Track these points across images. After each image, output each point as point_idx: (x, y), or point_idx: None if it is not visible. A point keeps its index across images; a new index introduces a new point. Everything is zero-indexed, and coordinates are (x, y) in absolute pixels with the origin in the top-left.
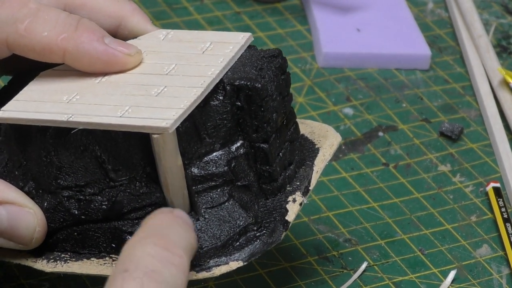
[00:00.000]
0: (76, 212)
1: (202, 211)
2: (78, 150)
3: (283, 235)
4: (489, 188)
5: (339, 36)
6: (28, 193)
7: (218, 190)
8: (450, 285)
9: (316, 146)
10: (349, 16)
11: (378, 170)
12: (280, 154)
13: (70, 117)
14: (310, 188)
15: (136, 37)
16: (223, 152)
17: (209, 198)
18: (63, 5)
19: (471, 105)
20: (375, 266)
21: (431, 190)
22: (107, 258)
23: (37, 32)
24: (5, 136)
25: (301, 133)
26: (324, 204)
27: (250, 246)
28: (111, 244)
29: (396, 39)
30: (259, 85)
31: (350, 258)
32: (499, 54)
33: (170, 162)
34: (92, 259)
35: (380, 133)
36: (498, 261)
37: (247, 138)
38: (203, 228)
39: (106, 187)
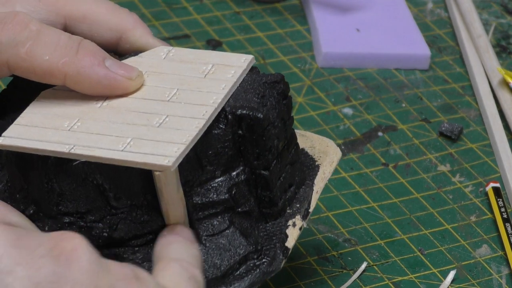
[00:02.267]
0: None
1: (203, 240)
2: (79, 178)
3: (283, 263)
4: (489, 188)
5: (339, 36)
6: (29, 216)
7: (219, 217)
8: (449, 285)
9: (316, 163)
10: (348, 16)
11: (377, 170)
12: (281, 178)
13: (72, 148)
14: (310, 210)
15: (137, 51)
16: (224, 179)
17: (210, 225)
18: (63, 18)
19: (470, 105)
20: (374, 266)
21: (431, 190)
22: None
23: (38, 55)
24: (6, 160)
25: (301, 147)
26: (324, 204)
27: (250, 276)
28: None
29: (396, 39)
30: (261, 116)
31: (349, 258)
32: (498, 54)
33: (171, 195)
34: None
35: (380, 133)
36: (498, 261)
37: (248, 165)
38: (204, 257)
39: (107, 214)
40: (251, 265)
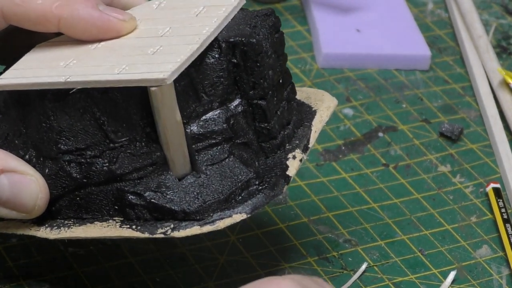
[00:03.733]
0: (78, 176)
1: (203, 168)
2: (77, 112)
3: (285, 188)
4: (489, 188)
5: (339, 37)
6: (29, 161)
7: (218, 148)
8: (450, 285)
9: (313, 109)
10: (349, 16)
11: (378, 171)
12: (278, 112)
13: (68, 78)
14: (309, 146)
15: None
16: (221, 111)
17: (209, 155)
18: None
19: (471, 106)
20: (375, 267)
21: (431, 191)
22: (110, 221)
23: (32, 0)
24: (5, 106)
25: (297, 98)
26: (324, 205)
27: (253, 199)
28: (114, 206)
29: (396, 39)
30: (254, 40)
31: (350, 259)
32: (499, 55)
33: (169, 117)
34: (95, 223)
35: (380, 134)
36: (498, 261)
37: (244, 96)
38: (205, 184)
39: (106, 149)
40: (253, 190)
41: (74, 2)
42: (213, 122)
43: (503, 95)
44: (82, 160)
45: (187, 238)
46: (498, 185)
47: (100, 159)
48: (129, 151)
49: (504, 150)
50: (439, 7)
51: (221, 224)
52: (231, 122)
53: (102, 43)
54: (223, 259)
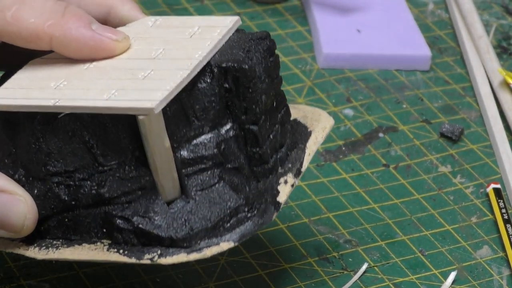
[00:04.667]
0: (66, 198)
1: (193, 193)
2: (66, 135)
3: (274, 216)
4: (490, 189)
5: (340, 37)
6: (18, 181)
7: (208, 173)
8: (450, 286)
9: (309, 130)
10: (349, 17)
11: (378, 171)
12: (271, 136)
13: (57, 101)
14: (302, 170)
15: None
16: (212, 135)
17: (199, 180)
18: None
19: (471, 106)
20: (375, 267)
21: (432, 191)
22: (98, 244)
23: (24, 19)
24: None
25: (294, 117)
26: (324, 205)
27: (241, 227)
28: (102, 229)
29: (397, 40)
30: (246, 67)
31: (350, 259)
32: (499, 55)
33: (157, 144)
34: (83, 244)
35: (381, 134)
36: (499, 262)
37: (236, 121)
38: (193, 210)
39: (95, 172)
40: (242, 217)
41: (67, 21)
42: (203, 147)
43: (504, 96)
44: (71, 183)
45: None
46: (498, 186)
47: (88, 182)
48: (118, 174)
49: (504, 151)
50: (439, 7)
51: (208, 253)
52: (222, 147)
53: (94, 63)
54: (224, 259)
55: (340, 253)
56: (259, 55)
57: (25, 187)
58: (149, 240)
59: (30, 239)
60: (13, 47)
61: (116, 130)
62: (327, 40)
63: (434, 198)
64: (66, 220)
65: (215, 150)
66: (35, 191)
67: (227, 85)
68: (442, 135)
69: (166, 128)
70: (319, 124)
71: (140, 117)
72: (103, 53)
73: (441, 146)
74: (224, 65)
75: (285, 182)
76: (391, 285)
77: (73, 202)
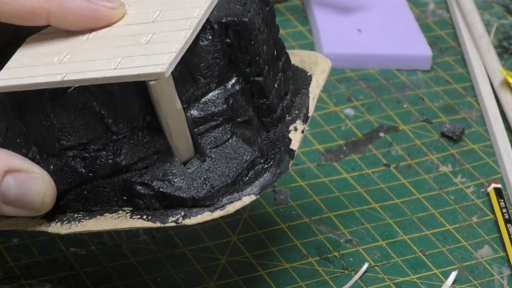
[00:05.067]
0: (83, 171)
1: (208, 152)
2: (76, 108)
3: (290, 164)
4: (490, 189)
5: (340, 37)
6: (32, 159)
7: (220, 129)
8: (451, 286)
9: (308, 74)
10: (350, 16)
11: (379, 171)
12: (275, 85)
13: (64, 76)
14: (309, 115)
15: None
16: (219, 91)
17: (212, 138)
18: None
19: (472, 106)
20: (376, 267)
21: (432, 191)
22: (120, 212)
23: None
24: (2, 106)
25: (292, 64)
26: (325, 205)
27: (260, 179)
28: (122, 197)
29: (397, 39)
30: (246, 19)
31: (351, 259)
32: (500, 55)
33: (169, 107)
34: (105, 214)
35: (381, 134)
36: (499, 262)
37: (241, 74)
38: (211, 168)
39: (109, 141)
40: (259, 169)
41: None
42: (212, 104)
43: (504, 95)
44: (86, 155)
45: (189, 238)
46: (499, 185)
47: (104, 152)
48: (132, 141)
49: (505, 150)
50: (440, 7)
51: (231, 208)
52: (230, 101)
53: (93, 33)
54: (225, 259)
55: (341, 252)
56: (256, 6)
57: (40, 164)
58: (171, 203)
59: (51, 215)
60: (4, 34)
61: (125, 97)
62: (328, 39)
63: (435, 198)
64: (85, 192)
65: (224, 106)
66: (51, 167)
67: (228, 40)
68: (443, 134)
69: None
70: (317, 67)
71: (151, 83)
72: (101, 22)
73: (442, 145)
74: (223, 20)
75: (295, 129)
76: (391, 285)
77: (90, 174)
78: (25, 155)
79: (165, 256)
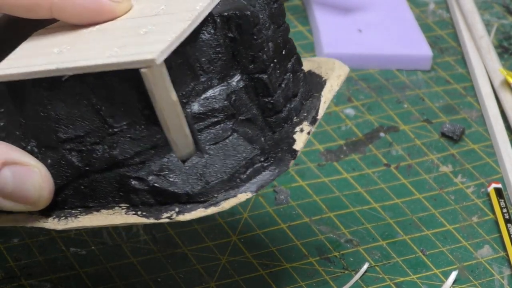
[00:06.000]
0: (80, 164)
1: (207, 148)
2: (73, 99)
3: (290, 164)
4: (491, 189)
5: (341, 37)
6: (31, 152)
7: (221, 126)
8: (451, 285)
9: (323, 79)
10: (350, 17)
11: (379, 171)
12: (282, 84)
13: (59, 65)
14: (318, 117)
15: None
16: (221, 87)
17: (212, 134)
18: None
19: (472, 106)
20: (376, 267)
21: (433, 191)
22: (116, 208)
23: None
24: (2, 97)
25: (308, 69)
26: (326, 205)
27: (258, 177)
28: (119, 193)
29: (398, 40)
30: (248, 13)
31: (351, 259)
32: (500, 55)
33: (164, 98)
34: (101, 210)
35: (382, 134)
36: (500, 262)
37: (244, 71)
38: (208, 164)
39: (106, 134)
40: (258, 167)
41: None
42: (214, 100)
43: (505, 95)
44: (83, 148)
45: (189, 237)
46: (499, 185)
47: (100, 146)
48: (129, 135)
49: (505, 150)
50: (440, 7)
51: (226, 205)
52: (233, 98)
53: (97, 26)
54: (225, 259)
55: (341, 252)
56: (262, 2)
57: (38, 158)
58: (165, 199)
59: (49, 211)
60: (11, 32)
61: (123, 89)
62: (328, 40)
63: (435, 198)
64: (82, 187)
65: (226, 102)
66: (48, 161)
67: (231, 34)
68: (443, 134)
69: (174, 84)
70: (333, 72)
71: (143, 70)
72: (104, 16)
73: (442, 145)
74: (226, 13)
75: (301, 130)
76: (392, 285)
77: (86, 168)
78: (24, 148)
79: (165, 256)
